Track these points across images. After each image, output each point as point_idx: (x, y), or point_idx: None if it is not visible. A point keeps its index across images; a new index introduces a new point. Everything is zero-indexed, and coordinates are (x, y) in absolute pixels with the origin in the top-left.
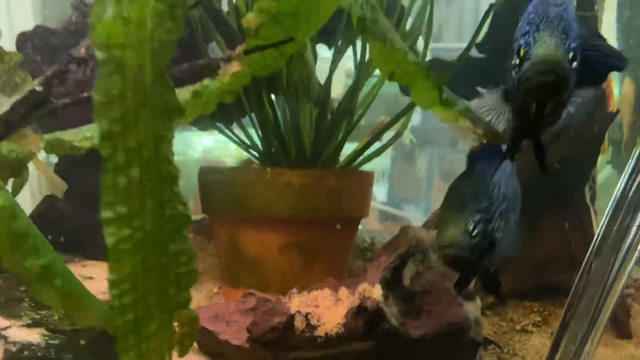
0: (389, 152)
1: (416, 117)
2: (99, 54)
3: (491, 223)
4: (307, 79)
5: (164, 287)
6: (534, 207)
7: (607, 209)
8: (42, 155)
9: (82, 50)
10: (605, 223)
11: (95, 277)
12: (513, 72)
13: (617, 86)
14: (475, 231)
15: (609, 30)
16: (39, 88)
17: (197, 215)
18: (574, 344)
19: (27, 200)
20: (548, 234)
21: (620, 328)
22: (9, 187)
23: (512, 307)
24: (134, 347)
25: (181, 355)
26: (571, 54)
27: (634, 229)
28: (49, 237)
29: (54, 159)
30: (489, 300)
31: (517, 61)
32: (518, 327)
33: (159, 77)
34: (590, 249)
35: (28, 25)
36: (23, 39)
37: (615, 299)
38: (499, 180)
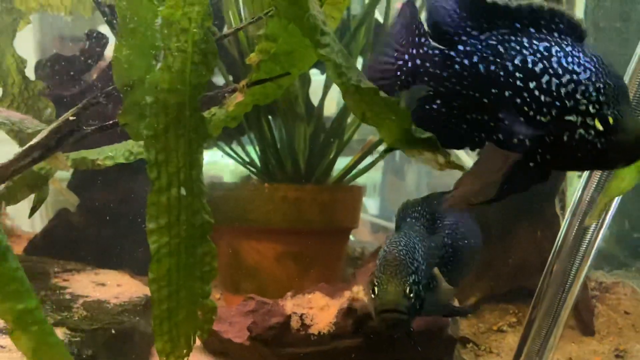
0: (379, 166)
1: None
2: (148, 98)
3: (421, 282)
4: (295, 100)
5: (192, 283)
6: (509, 218)
7: (566, 216)
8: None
9: (94, 76)
10: (565, 230)
11: (108, 284)
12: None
13: None
14: (412, 294)
15: None
16: (72, 117)
17: None
18: (539, 339)
19: (37, 213)
20: (522, 242)
21: (584, 326)
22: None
23: (489, 309)
24: (167, 333)
25: (203, 337)
26: None
27: (589, 234)
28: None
29: (63, 175)
30: (469, 302)
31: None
32: (494, 327)
33: (194, 112)
34: (551, 253)
35: (28, 41)
36: (40, 65)
37: (574, 297)
38: (420, 239)
